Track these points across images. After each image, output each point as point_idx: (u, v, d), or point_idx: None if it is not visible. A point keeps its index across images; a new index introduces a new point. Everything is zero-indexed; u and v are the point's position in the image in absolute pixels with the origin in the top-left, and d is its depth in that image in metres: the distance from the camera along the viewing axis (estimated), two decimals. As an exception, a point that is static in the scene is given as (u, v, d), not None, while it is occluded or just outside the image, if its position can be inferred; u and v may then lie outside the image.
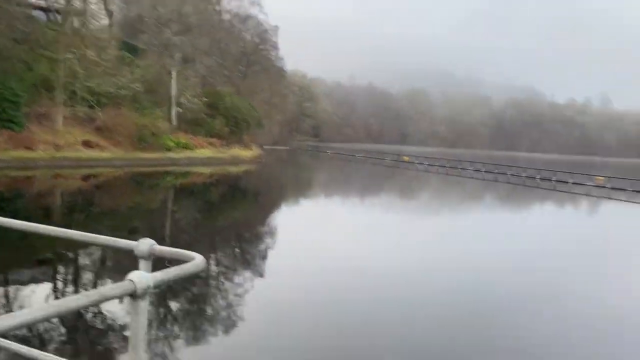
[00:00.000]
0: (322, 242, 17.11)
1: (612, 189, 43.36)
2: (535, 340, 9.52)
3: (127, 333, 8.28)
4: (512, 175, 53.80)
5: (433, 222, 25.04)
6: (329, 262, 14.24)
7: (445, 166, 63.57)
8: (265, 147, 71.66)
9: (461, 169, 61.31)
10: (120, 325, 8.39)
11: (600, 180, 46.82)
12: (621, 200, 38.36)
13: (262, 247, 17.01)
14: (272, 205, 28.35)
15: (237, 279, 12.52)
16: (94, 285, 10.63)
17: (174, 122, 48.38)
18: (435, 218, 26.50)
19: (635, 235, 25.16)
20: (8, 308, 8.78)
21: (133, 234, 16.02)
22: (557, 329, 10.33)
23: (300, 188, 38.76)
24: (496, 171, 56.18)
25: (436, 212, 28.56)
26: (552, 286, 13.76)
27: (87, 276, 11.76)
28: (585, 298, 12.87)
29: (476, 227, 23.78)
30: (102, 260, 12.47)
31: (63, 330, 8.06)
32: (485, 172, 56.93)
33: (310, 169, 61.52)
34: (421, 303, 11.24)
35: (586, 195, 41.00)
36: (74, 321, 8.28)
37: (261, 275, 13.03)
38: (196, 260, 1.85)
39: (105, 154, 37.01)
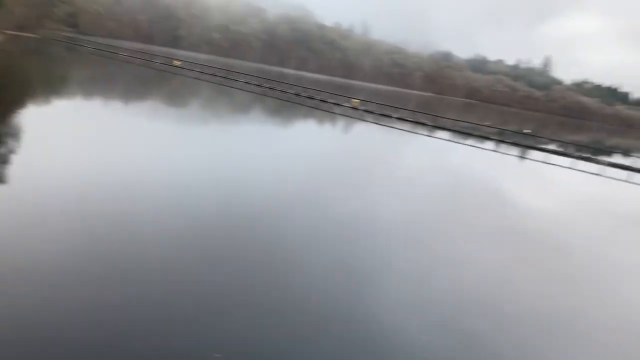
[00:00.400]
0: (75, 148, 15.58)
1: (365, 111, 48.57)
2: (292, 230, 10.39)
3: None
4: (281, 91, 56.01)
5: (194, 133, 24.76)
6: (81, 169, 13.14)
7: (217, 75, 62.78)
8: (6, 32, 60.59)
9: (233, 80, 61.35)
10: None
11: (356, 102, 51.90)
12: (369, 121, 43.31)
13: (1, 150, 14.67)
14: (15, 102, 24.46)
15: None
16: None
17: None
18: (199, 128, 26.23)
19: (372, 152, 28.84)
20: None
21: None
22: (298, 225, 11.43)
23: (52, 85, 34.15)
24: (266, 85, 57.71)
25: (201, 122, 28.24)
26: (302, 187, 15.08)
27: None
28: (332, 198, 14.44)
29: (241, 139, 24.32)
30: None
31: None
32: (255, 85, 58.03)
33: (66, 63, 54.50)
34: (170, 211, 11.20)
35: (343, 115, 45.13)
36: None
37: (1, 181, 11.30)
38: None
39: None
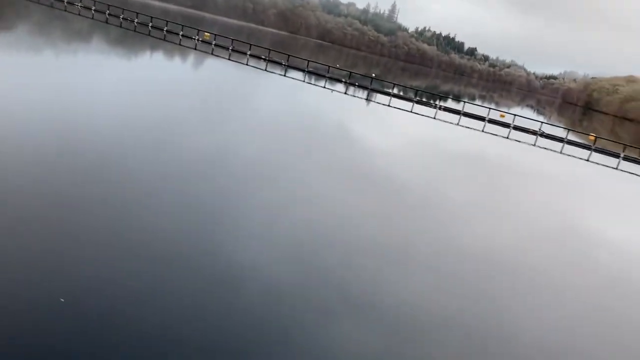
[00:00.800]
0: None
1: (217, 46, 46.92)
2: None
3: None
4: (124, 19, 51.58)
5: (23, 62, 22.12)
6: None
7: (48, -3, 55.66)
8: None
9: (68, 3, 54.93)
10: None
11: (208, 36, 49.82)
12: (223, 57, 42.10)
13: None
14: None
15: None
16: None
17: None
18: (28, 57, 23.42)
19: (224, 90, 28.39)
20: None
21: None
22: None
23: None
24: (108, 12, 52.65)
25: (31, 50, 25.19)
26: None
27: None
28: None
29: (80, 72, 22.31)
30: None
31: None
32: (95, 11, 52.65)
33: None
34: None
35: (194, 49, 43.20)
36: None
37: None
38: None
39: None
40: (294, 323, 6.85)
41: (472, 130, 33.84)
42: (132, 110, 16.65)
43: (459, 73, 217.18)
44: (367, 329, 7.18)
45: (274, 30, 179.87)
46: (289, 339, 6.43)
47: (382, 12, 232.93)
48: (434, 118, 35.74)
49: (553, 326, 8.75)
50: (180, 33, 48.56)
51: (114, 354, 5.40)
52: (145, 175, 10.98)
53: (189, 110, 19.44)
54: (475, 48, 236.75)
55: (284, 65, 45.12)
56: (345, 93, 39.25)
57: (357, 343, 6.76)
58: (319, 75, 44.87)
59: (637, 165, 34.37)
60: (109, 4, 52.53)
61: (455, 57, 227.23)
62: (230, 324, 6.47)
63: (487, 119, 38.71)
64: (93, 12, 52.13)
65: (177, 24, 52.85)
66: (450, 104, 49.51)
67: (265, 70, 40.82)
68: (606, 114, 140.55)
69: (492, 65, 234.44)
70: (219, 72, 36.17)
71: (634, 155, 36.62)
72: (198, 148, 14.17)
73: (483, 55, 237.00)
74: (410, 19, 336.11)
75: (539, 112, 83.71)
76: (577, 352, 8.11)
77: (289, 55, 47.36)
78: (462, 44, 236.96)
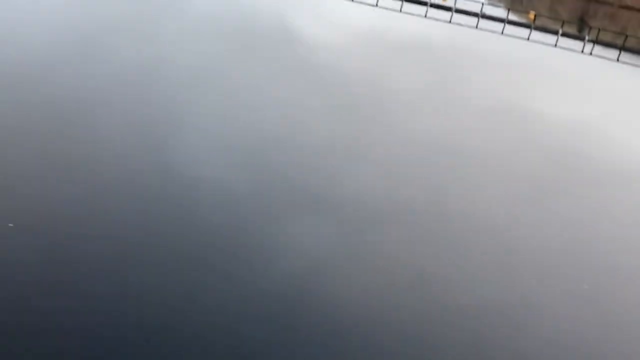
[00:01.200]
0: None
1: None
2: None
3: None
4: None
5: None
6: None
7: None
8: None
9: None
10: None
11: None
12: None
13: None
14: None
15: None
16: None
17: None
18: None
19: None
20: None
21: None
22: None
23: None
24: None
25: None
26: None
27: None
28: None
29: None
30: None
31: None
32: None
33: None
34: None
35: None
36: None
37: None
38: None
39: None
40: (253, 227, 7.00)
41: (415, 17, 33.27)
42: (52, 21, 15.39)
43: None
44: (325, 225, 7.43)
45: None
46: (249, 243, 6.59)
47: None
48: (376, 5, 34.77)
49: (501, 205, 9.30)
50: None
51: (66, 279, 5.37)
52: (78, 91, 10.42)
53: (115, 17, 18.13)
54: None
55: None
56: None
57: (316, 238, 7.02)
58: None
59: (575, 40, 35.10)
60: None
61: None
62: (186, 235, 6.54)
63: (429, 3, 37.99)
64: None
65: None
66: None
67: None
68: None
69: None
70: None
71: (571, 31, 37.24)
72: (131, 58, 13.44)
73: None
74: None
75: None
76: (522, 225, 8.72)
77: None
78: None
